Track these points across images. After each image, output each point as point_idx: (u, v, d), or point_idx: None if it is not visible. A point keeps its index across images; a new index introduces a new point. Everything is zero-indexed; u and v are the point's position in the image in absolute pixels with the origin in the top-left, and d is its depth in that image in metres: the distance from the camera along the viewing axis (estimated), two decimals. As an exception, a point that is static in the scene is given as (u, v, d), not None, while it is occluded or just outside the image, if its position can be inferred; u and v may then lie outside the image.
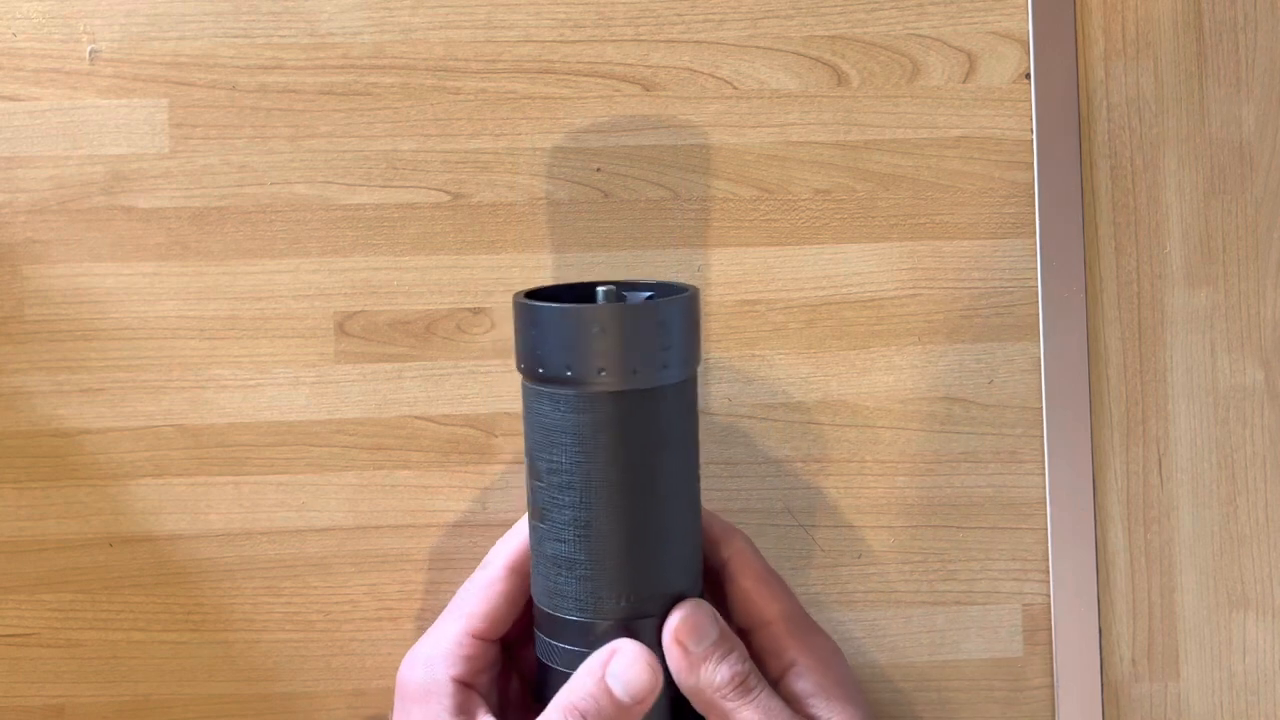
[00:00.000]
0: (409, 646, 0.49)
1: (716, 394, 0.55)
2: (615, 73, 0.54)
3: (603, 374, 0.44)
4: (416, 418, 0.54)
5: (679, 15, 0.55)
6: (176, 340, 0.53)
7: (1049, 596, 0.55)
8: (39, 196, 0.53)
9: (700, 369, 0.48)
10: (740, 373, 0.55)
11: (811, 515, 0.55)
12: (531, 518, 0.46)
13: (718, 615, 0.46)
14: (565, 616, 0.45)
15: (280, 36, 0.54)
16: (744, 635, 0.48)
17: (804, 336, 0.55)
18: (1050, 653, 0.55)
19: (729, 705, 0.44)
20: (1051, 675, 0.55)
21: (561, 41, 0.54)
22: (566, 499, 0.45)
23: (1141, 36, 0.56)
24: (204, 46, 0.53)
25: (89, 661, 0.53)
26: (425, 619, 0.53)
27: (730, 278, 0.55)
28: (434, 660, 0.47)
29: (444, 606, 0.50)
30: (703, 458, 0.54)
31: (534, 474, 0.46)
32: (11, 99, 0.53)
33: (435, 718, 0.45)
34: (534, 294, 0.47)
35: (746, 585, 0.48)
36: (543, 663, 0.47)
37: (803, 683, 0.46)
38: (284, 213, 0.54)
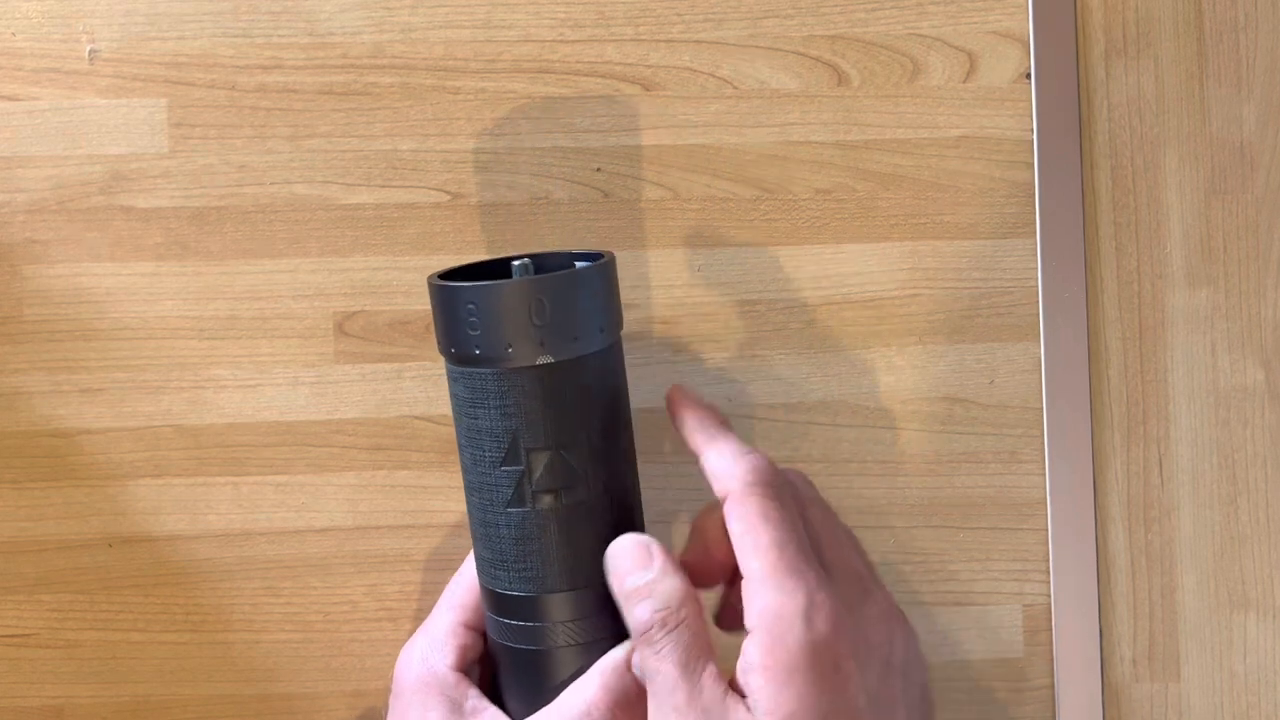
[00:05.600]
0: (409, 647, 0.49)
1: (716, 394, 0.55)
2: (615, 73, 0.54)
3: (544, 346, 0.43)
4: (416, 418, 0.54)
5: (679, 15, 0.55)
6: (176, 340, 0.53)
7: (1049, 597, 0.55)
8: (38, 196, 0.53)
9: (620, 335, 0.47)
10: (740, 373, 0.55)
11: (812, 515, 0.55)
12: (471, 501, 0.46)
13: (657, 550, 0.44)
14: (513, 593, 0.45)
15: (280, 36, 0.54)
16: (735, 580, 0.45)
17: (804, 336, 0.55)
18: (1051, 653, 0.55)
19: (643, 650, 0.43)
20: (1052, 676, 0.55)
21: (561, 41, 0.54)
22: (505, 475, 0.44)
23: (1142, 36, 0.56)
24: (204, 46, 0.53)
25: (88, 662, 0.53)
26: (425, 619, 0.53)
27: (730, 278, 0.55)
28: (430, 654, 0.47)
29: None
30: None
31: (469, 452, 0.45)
32: (11, 99, 0.53)
33: (433, 706, 0.46)
34: (447, 275, 0.46)
35: (733, 529, 0.45)
36: (499, 643, 0.46)
37: (751, 651, 0.43)
38: (284, 213, 0.54)
